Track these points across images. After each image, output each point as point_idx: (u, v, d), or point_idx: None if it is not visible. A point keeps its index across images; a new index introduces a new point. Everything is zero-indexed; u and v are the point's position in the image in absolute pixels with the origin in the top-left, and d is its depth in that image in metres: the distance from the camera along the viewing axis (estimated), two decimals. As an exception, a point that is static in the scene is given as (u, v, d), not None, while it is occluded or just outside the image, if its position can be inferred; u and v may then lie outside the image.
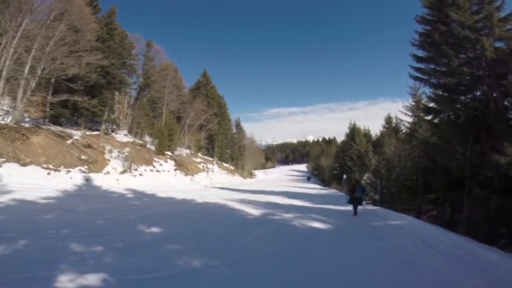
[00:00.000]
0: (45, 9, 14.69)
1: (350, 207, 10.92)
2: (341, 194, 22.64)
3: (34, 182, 10.20)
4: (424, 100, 16.48)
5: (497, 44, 10.23)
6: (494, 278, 4.05)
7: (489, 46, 9.60)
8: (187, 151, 29.97)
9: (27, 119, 14.76)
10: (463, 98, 11.63)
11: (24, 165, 11.44)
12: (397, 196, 16.84)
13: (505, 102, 10.23)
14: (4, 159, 10.78)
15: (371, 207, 14.02)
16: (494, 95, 10.22)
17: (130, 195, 11.28)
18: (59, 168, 12.87)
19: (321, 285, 3.43)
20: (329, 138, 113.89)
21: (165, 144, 24.42)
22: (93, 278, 2.96)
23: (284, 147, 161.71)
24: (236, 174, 40.10)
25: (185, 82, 37.32)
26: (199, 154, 34.03)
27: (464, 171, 10.37)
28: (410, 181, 15.67)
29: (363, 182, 20.65)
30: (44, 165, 12.35)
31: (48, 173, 12.16)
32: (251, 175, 48.33)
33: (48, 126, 15.30)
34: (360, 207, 10.93)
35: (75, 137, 15.91)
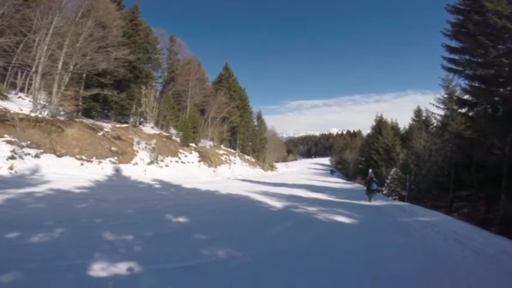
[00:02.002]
0: (73, 7, 15.47)
1: (376, 203, 11.87)
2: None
3: (69, 172, 10.88)
4: (458, 92, 15.79)
5: None
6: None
7: None
8: (211, 143, 30.54)
9: (61, 113, 15.71)
10: (501, 90, 10.94)
11: (59, 156, 12.21)
12: (426, 192, 16.08)
13: None
14: (42, 151, 11.55)
15: (398, 203, 13.52)
16: None
17: (157, 186, 11.70)
18: (91, 159, 13.62)
19: (347, 282, 3.34)
20: (354, 131, 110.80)
21: (189, 136, 25.04)
22: (123, 267, 3.07)
23: (306, 140, 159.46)
24: (257, 166, 40.31)
25: (208, 75, 37.84)
26: (222, 146, 34.54)
27: (502, 167, 9.70)
28: (441, 177, 14.90)
29: (389, 177, 20.11)
30: (78, 156, 13.10)
31: (82, 164, 12.89)
32: (272, 168, 48.37)
33: (81, 119, 16.20)
34: (387, 203, 11.58)
35: (105, 129, 16.72)
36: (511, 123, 9.74)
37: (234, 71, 42.64)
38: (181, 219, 5.77)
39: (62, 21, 14.60)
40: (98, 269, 2.95)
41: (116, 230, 4.45)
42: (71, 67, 14.79)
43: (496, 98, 10.98)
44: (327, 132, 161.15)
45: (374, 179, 13.59)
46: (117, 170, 14.09)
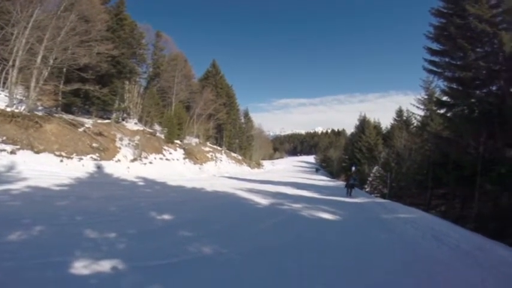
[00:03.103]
0: (55, 0, 14.79)
1: (358, 200, 12.58)
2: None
3: (47, 169, 10.47)
4: (437, 93, 16.44)
5: None
6: (503, 274, 4.02)
7: (508, 41, 9.34)
8: (196, 140, 30.24)
9: (40, 108, 15.05)
10: (478, 92, 11.48)
11: (37, 152, 11.73)
12: (406, 190, 16.69)
13: None
14: (18, 147, 11.05)
15: (380, 200, 13.94)
16: (511, 90, 10.01)
17: (141, 183, 11.48)
18: (72, 156, 13.17)
19: (330, 275, 3.44)
20: (338, 130, 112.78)
21: (174, 133, 24.67)
22: (107, 264, 3.02)
23: (292, 138, 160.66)
24: (244, 164, 40.31)
25: (194, 72, 37.57)
26: (208, 143, 34.26)
27: (477, 166, 10.20)
28: (420, 175, 15.52)
29: (371, 175, 20.74)
30: (57, 153, 12.64)
31: (61, 160, 12.45)
32: (259, 165, 48.49)
33: (60, 115, 15.58)
34: (369, 200, 12.18)
35: (86, 125, 16.20)
36: (485, 124, 10.25)
37: (221, 68, 42.38)
38: (166, 217, 5.71)
39: (42, 14, 13.98)
40: (80, 267, 2.89)
41: (98, 227, 4.35)
42: (51, 61, 14.19)
43: (473, 100, 11.44)
44: (312, 131, 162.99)
45: (353, 175, 16.06)
46: (99, 167, 13.71)
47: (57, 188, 7.70)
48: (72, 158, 13.07)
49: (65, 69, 15.78)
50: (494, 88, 11.00)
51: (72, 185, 8.67)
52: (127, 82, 22.40)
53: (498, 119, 10.09)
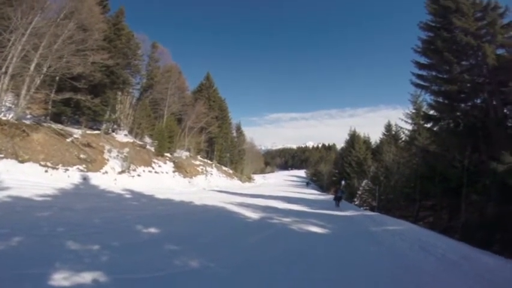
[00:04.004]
0: (56, 8, 14.70)
1: (348, 213, 12.81)
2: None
3: (31, 179, 10.14)
4: (424, 108, 16.63)
5: (499, 51, 10.26)
6: (488, 281, 4.11)
7: (491, 53, 9.61)
8: (187, 153, 29.95)
9: (28, 116, 14.76)
10: (463, 105, 11.60)
11: (22, 161, 11.39)
12: (394, 203, 16.85)
13: (505, 110, 10.22)
14: (2, 156, 10.73)
15: (369, 213, 14.00)
16: (494, 103, 10.22)
17: (128, 196, 11.22)
18: (57, 166, 12.83)
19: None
20: (328, 144, 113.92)
21: (164, 146, 24.41)
22: (88, 276, 2.91)
23: (284, 152, 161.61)
24: (235, 178, 40.02)
25: (188, 84, 37.40)
26: (199, 157, 34.00)
27: (462, 178, 10.43)
28: (408, 188, 15.72)
29: (361, 188, 20.98)
30: (42, 163, 12.30)
31: (46, 171, 12.11)
32: (250, 179, 48.25)
33: (49, 124, 15.27)
34: (358, 213, 12.37)
35: (75, 136, 15.88)
36: (470, 137, 10.51)
37: (215, 80, 42.59)
38: (153, 230, 5.57)
39: (42, 21, 13.84)
40: (60, 279, 2.78)
41: (80, 239, 4.22)
42: (44, 69, 13.98)
43: (458, 113, 11.57)
44: (303, 145, 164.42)
45: (341, 188, 18.60)
46: (85, 179, 13.37)
47: (40, 199, 7.45)
48: (57, 169, 12.73)
49: (57, 78, 15.53)
50: (478, 101, 11.14)
51: (55, 196, 8.39)
52: (119, 93, 22.18)
53: (482, 132, 10.33)
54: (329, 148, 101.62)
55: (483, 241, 8.26)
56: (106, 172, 15.51)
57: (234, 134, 50.59)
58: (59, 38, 14.17)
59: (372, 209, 17.47)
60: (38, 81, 13.97)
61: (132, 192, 12.27)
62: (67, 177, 12.54)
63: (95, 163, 15.24)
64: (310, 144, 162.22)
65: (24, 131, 12.59)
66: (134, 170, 18.11)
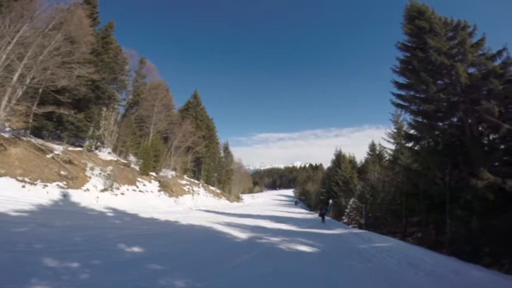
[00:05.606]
0: (45, 18, 14.38)
1: (336, 231, 13.22)
2: (327, 218, 22.58)
3: (6, 194, 9.61)
4: (405, 127, 16.73)
5: (471, 70, 10.53)
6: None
7: (463, 72, 9.91)
8: (173, 173, 29.32)
9: (7, 129, 14.15)
10: (441, 124, 11.68)
11: (-3, 177, 10.82)
12: (382, 220, 16.97)
13: (480, 128, 10.49)
14: (-24, 171, 10.18)
15: (357, 230, 13.99)
16: (470, 121, 10.44)
17: (110, 214, 10.78)
18: (35, 182, 12.23)
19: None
20: (316, 164, 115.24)
21: (150, 165, 23.84)
22: (67, 293, 2.74)
23: (272, 172, 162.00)
24: (223, 197, 39.33)
25: (175, 102, 36.97)
26: (185, 176, 33.37)
27: (445, 195, 10.55)
28: (395, 205, 15.90)
29: (348, 206, 21.15)
30: (19, 178, 11.71)
31: (23, 186, 11.51)
32: (238, 199, 47.61)
33: (28, 138, 14.68)
34: (346, 231, 12.66)
35: (56, 152, 15.32)
36: (449, 156, 10.82)
37: (202, 99, 42.67)
38: (136, 249, 5.35)
39: (29, 31, 13.48)
40: (36, 295, 2.59)
41: (59, 256, 4.00)
42: (28, 80, 13.47)
43: (437, 132, 11.72)
44: (291, 165, 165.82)
45: (326, 206, 23.59)
46: (65, 195, 12.76)
47: (16, 214, 7.04)
48: (35, 184, 12.12)
49: (40, 90, 14.93)
50: (455, 119, 11.29)
51: (33, 212, 7.95)
52: (104, 108, 21.56)
53: (460, 149, 10.63)
54: (316, 168, 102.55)
55: (472, 255, 8.38)
56: (88, 189, 14.89)
57: (222, 154, 50.24)
58: (46, 48, 13.80)
59: (360, 227, 17.49)
60: (20, 92, 13.40)
61: (115, 210, 11.81)
62: (46, 194, 11.94)
63: (76, 180, 14.64)
64: (298, 164, 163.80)
65: (1, 144, 12.06)
66: (117, 189, 17.49)
